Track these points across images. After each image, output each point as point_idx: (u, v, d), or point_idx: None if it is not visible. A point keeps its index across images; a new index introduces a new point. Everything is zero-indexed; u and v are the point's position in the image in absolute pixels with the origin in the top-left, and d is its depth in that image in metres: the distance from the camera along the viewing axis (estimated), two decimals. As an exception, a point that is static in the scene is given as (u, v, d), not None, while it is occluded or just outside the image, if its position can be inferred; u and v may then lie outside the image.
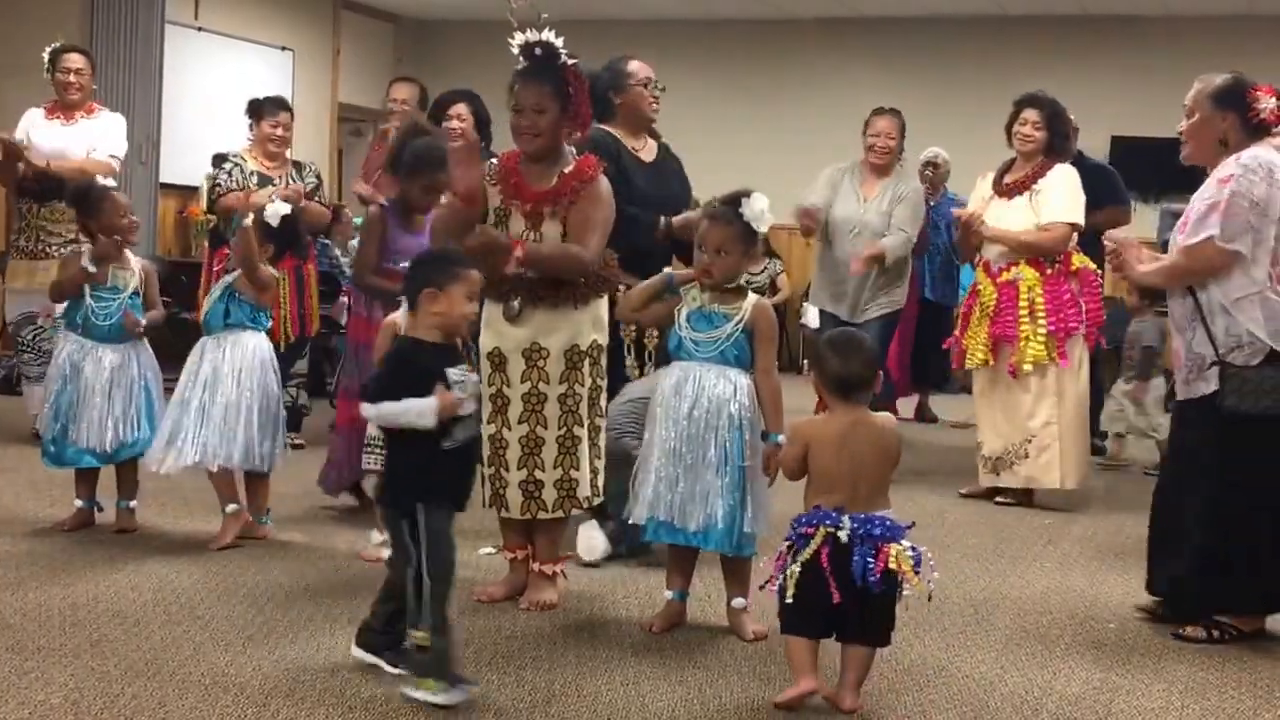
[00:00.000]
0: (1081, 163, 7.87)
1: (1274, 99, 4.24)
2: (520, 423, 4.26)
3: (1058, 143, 6.35)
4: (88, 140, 7.07)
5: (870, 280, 6.81)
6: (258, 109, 7.07)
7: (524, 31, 4.18)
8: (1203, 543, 4.21)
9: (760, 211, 4.00)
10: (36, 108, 7.20)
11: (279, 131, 6.99)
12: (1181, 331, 4.33)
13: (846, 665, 3.52)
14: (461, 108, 6.57)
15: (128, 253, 5.23)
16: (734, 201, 4.04)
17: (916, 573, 3.44)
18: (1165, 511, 4.40)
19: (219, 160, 7.26)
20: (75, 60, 7.10)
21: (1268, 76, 4.22)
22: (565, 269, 4.22)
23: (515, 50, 4.20)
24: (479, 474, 4.38)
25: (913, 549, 3.47)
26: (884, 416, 3.75)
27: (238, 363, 5.02)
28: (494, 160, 4.44)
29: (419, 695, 3.38)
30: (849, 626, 3.50)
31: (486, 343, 4.34)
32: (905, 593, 3.48)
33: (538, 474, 4.26)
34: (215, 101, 10.71)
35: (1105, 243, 4.54)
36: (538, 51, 4.19)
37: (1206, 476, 4.22)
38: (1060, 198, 6.23)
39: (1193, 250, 4.21)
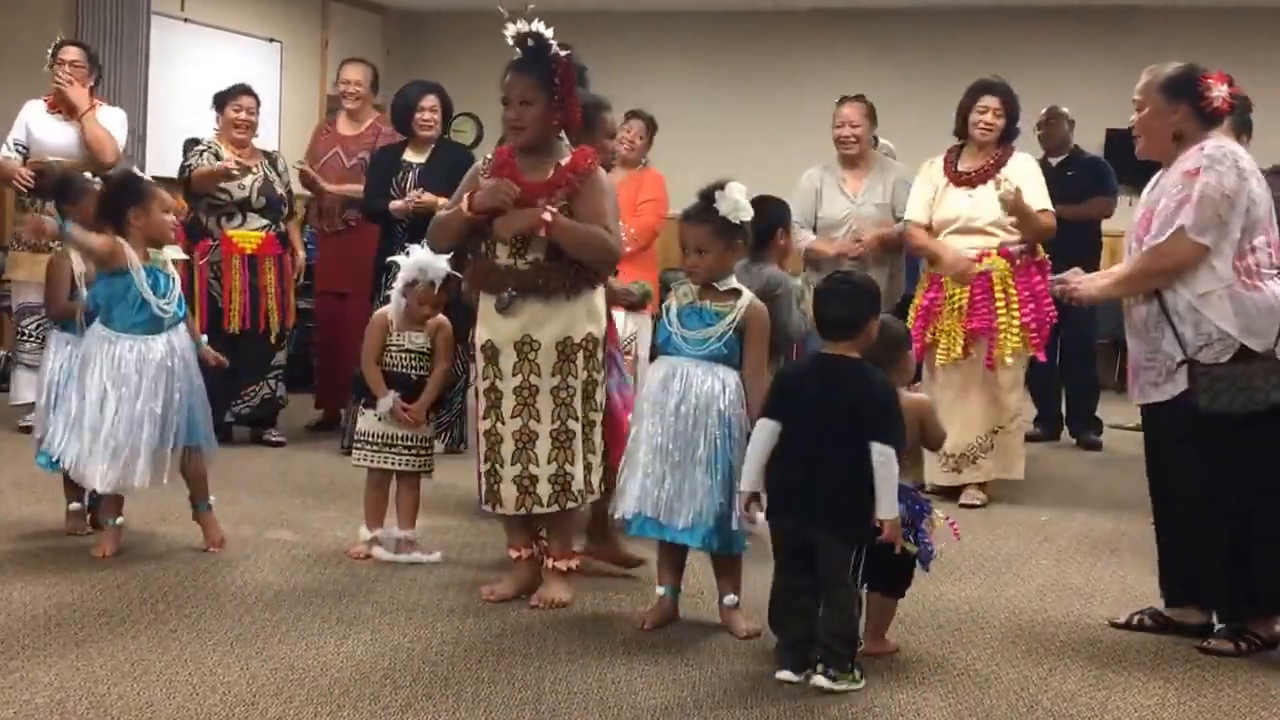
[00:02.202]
0: (1077, 156, 7.92)
1: (1225, 86, 4.07)
2: (513, 417, 4.21)
3: (1013, 130, 6.22)
4: None
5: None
6: (221, 98, 7.01)
7: (515, 21, 4.13)
8: (1216, 541, 4.06)
9: (736, 202, 3.94)
10: (36, 99, 7.10)
11: (242, 115, 6.90)
12: (1143, 335, 4.15)
13: (868, 613, 3.84)
14: (433, 99, 6.68)
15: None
16: (709, 196, 3.98)
17: (909, 536, 3.73)
18: (1169, 517, 4.25)
19: (191, 144, 7.12)
20: (71, 53, 7.05)
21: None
22: (592, 249, 4.17)
23: (510, 40, 4.15)
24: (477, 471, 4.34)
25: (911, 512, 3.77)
26: (912, 395, 3.95)
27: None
28: (489, 155, 4.39)
29: (840, 687, 3.56)
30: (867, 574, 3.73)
31: (480, 335, 4.29)
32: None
33: (532, 469, 4.21)
34: (202, 94, 10.56)
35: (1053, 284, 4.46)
36: (529, 43, 4.14)
37: (1192, 475, 4.08)
38: (1037, 186, 6.10)
39: (1161, 248, 4.03)
